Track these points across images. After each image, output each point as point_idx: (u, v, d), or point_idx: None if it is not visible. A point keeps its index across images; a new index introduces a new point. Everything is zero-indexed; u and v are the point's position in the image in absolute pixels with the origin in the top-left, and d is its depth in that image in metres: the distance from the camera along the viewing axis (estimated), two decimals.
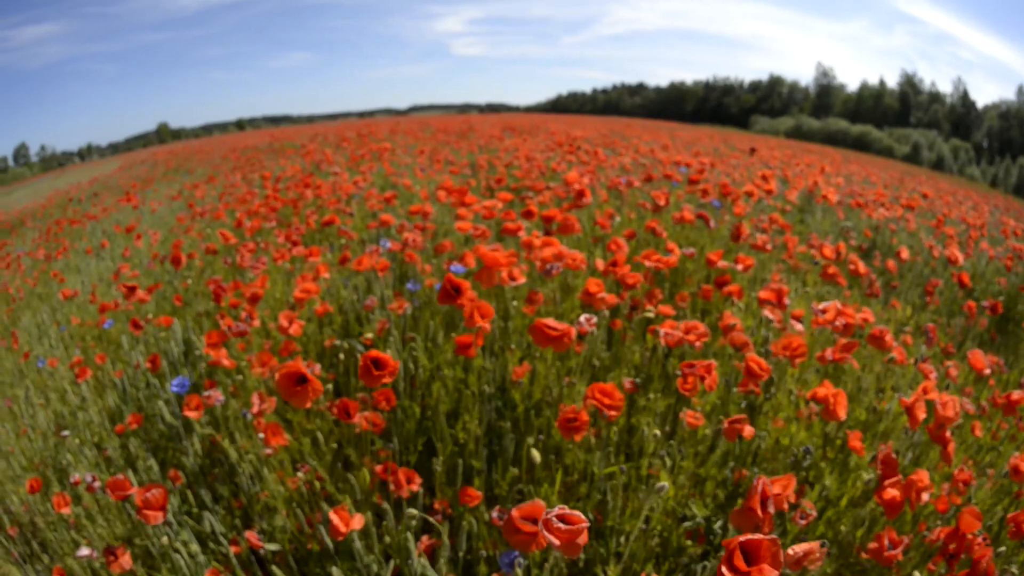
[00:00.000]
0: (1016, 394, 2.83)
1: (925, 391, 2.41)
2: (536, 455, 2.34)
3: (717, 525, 2.49)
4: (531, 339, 2.29)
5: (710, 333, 2.71)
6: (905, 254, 5.47)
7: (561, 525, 1.34)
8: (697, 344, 2.60)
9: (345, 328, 3.60)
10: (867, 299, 5.10)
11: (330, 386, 2.74)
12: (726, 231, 5.03)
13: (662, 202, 4.82)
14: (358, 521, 1.98)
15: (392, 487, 2.26)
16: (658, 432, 2.42)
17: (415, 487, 2.26)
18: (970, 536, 2.02)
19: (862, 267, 4.01)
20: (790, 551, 1.43)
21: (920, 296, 5.88)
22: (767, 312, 3.04)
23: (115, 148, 30.39)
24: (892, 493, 2.04)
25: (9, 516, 3.27)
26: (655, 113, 29.69)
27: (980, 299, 6.00)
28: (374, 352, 2.05)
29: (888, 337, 2.83)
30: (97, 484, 2.69)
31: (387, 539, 2.31)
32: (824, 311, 2.90)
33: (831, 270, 3.87)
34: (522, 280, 2.73)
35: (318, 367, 2.72)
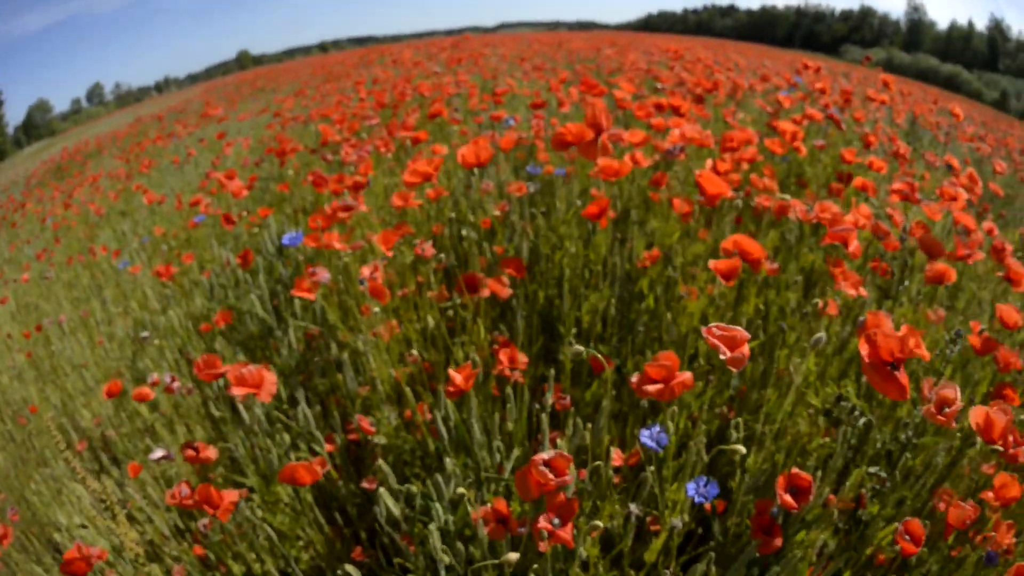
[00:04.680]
0: None
1: None
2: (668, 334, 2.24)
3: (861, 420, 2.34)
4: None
5: (843, 216, 2.53)
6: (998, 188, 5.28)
7: (724, 334, 1.37)
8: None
9: (458, 217, 3.44)
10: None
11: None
12: (854, 138, 4.79)
13: (787, 104, 4.65)
14: (470, 377, 1.85)
15: (507, 370, 2.10)
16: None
17: (520, 367, 2.10)
18: None
19: (975, 176, 3.77)
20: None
21: None
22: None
23: (194, 79, 30.24)
24: None
25: (79, 432, 3.21)
26: (745, 36, 29.27)
27: None
28: None
29: (1008, 248, 2.63)
30: (177, 384, 2.58)
31: (508, 425, 2.16)
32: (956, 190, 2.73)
33: (961, 180, 3.66)
34: (647, 163, 2.59)
35: (430, 244, 2.56)
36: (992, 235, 2.85)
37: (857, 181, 3.02)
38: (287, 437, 2.39)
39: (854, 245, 2.14)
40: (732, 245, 1.98)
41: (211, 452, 1.96)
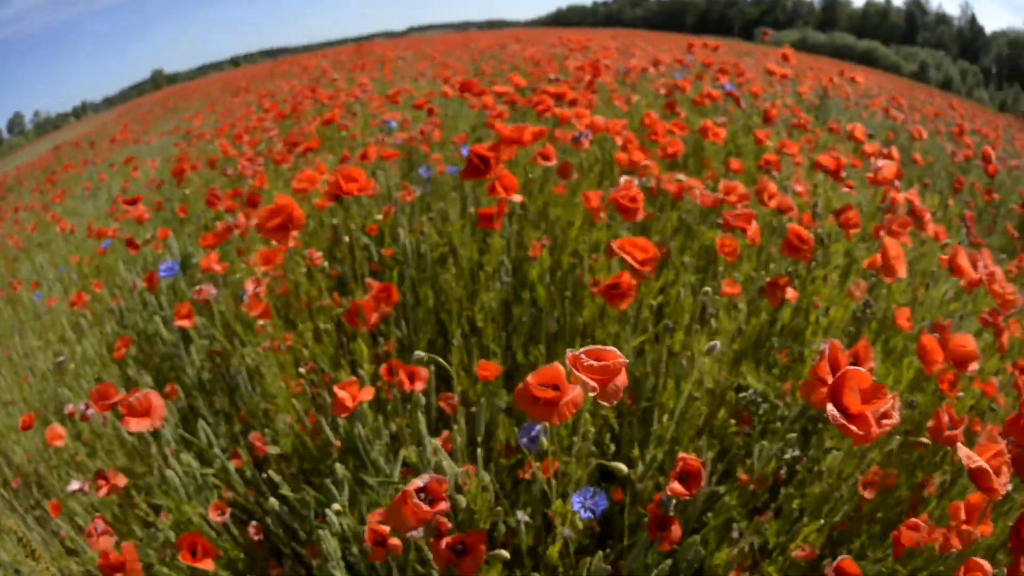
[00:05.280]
0: None
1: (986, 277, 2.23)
2: (552, 326, 2.26)
3: (763, 406, 2.34)
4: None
5: (751, 196, 2.52)
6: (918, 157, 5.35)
7: (593, 363, 1.15)
8: (739, 207, 2.41)
9: (349, 223, 3.42)
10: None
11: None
12: (754, 113, 4.83)
13: (684, 85, 4.68)
14: (367, 392, 1.83)
15: (397, 377, 2.08)
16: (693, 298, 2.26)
17: (419, 385, 2.07)
18: None
19: (895, 152, 3.80)
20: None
21: (949, 188, 5.72)
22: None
23: (110, 102, 30.02)
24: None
25: (12, 468, 3.18)
26: (656, 25, 29.54)
27: (1003, 208, 5.87)
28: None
29: (928, 217, 2.66)
30: (91, 411, 2.53)
31: (392, 427, 2.18)
32: (880, 168, 2.67)
33: (869, 148, 3.68)
34: (553, 161, 2.59)
35: (319, 254, 2.54)
36: (913, 203, 2.82)
37: (764, 158, 3.03)
38: (187, 458, 2.34)
39: (752, 229, 2.14)
40: (619, 249, 1.93)
41: (120, 480, 2.00)
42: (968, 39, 35.01)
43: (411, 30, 36.11)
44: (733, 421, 2.26)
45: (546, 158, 2.59)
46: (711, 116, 4.62)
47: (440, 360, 1.59)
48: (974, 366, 1.93)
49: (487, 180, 2.19)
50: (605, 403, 1.18)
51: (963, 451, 1.29)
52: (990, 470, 1.24)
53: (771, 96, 5.98)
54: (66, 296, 4.45)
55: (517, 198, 2.22)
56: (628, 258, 1.87)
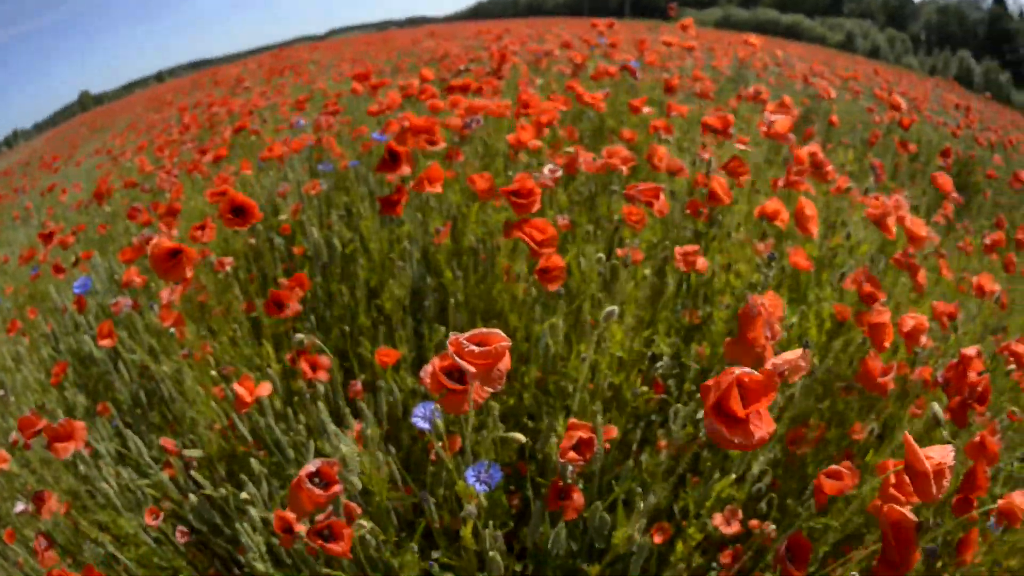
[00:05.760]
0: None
1: (893, 208, 2.28)
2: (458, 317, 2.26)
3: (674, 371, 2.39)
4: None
5: (635, 158, 2.56)
6: (834, 120, 5.44)
7: (474, 348, 1.10)
8: (624, 169, 2.45)
9: (265, 223, 3.45)
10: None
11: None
12: (658, 86, 4.88)
13: (579, 60, 4.74)
14: (264, 388, 1.88)
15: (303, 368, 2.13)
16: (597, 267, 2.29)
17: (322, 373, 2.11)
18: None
19: (790, 104, 3.78)
20: (770, 364, 1.30)
21: (863, 144, 5.82)
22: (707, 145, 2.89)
23: (40, 127, 29.76)
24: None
25: None
26: (579, 11, 29.56)
27: (931, 163, 5.88)
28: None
29: (830, 168, 2.69)
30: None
31: (303, 419, 2.22)
32: (773, 121, 2.57)
33: (770, 107, 3.73)
34: (442, 144, 2.61)
35: (229, 260, 2.57)
36: (815, 155, 2.83)
37: (653, 124, 3.07)
38: (126, 472, 2.37)
39: (660, 203, 2.17)
40: (519, 229, 1.95)
41: (53, 502, 2.04)
42: (895, 7, 35.25)
43: (332, 32, 35.94)
44: (645, 388, 2.29)
45: (432, 144, 2.63)
46: (615, 92, 4.69)
47: (320, 344, 1.63)
48: (923, 341, 1.95)
49: (404, 174, 2.25)
50: (489, 387, 1.15)
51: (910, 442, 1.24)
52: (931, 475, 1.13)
53: (682, 70, 6.05)
54: (3, 326, 4.44)
55: (437, 188, 2.28)
56: (527, 239, 1.92)
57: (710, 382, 1.01)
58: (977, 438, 1.64)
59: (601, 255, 2.01)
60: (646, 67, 5.36)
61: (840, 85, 8.50)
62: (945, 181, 2.95)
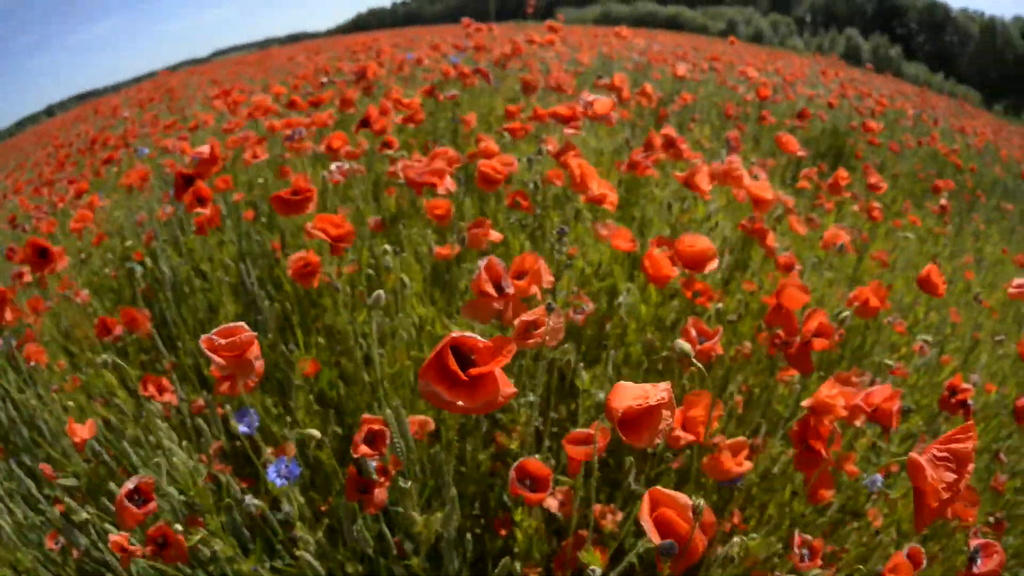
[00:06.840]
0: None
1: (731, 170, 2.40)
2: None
3: None
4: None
5: (460, 159, 2.65)
6: (688, 98, 5.54)
7: (222, 341, 1.21)
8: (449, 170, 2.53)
9: (126, 253, 3.50)
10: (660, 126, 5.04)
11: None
12: (516, 84, 5.01)
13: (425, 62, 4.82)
14: (88, 429, 2.01)
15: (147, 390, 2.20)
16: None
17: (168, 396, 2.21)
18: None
19: (620, 85, 3.92)
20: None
21: (720, 119, 5.96)
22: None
23: None
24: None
25: None
26: (458, 18, 29.65)
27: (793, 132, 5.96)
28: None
29: (684, 146, 2.81)
30: None
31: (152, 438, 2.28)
32: (592, 103, 2.65)
33: (625, 94, 3.83)
34: (264, 156, 2.72)
35: (85, 292, 2.63)
36: (669, 136, 2.89)
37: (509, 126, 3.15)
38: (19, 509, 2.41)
39: (447, 182, 2.27)
40: (313, 228, 2.02)
41: None
42: None
43: (216, 54, 35.55)
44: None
45: (255, 156, 2.71)
46: (479, 95, 4.80)
47: (119, 361, 1.70)
48: (712, 265, 1.99)
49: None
50: (242, 377, 1.23)
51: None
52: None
53: (544, 68, 6.13)
54: None
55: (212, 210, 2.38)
56: (322, 235, 2.01)
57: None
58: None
59: (388, 247, 2.10)
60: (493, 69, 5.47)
61: (708, 69, 8.63)
62: (788, 140, 3.04)
